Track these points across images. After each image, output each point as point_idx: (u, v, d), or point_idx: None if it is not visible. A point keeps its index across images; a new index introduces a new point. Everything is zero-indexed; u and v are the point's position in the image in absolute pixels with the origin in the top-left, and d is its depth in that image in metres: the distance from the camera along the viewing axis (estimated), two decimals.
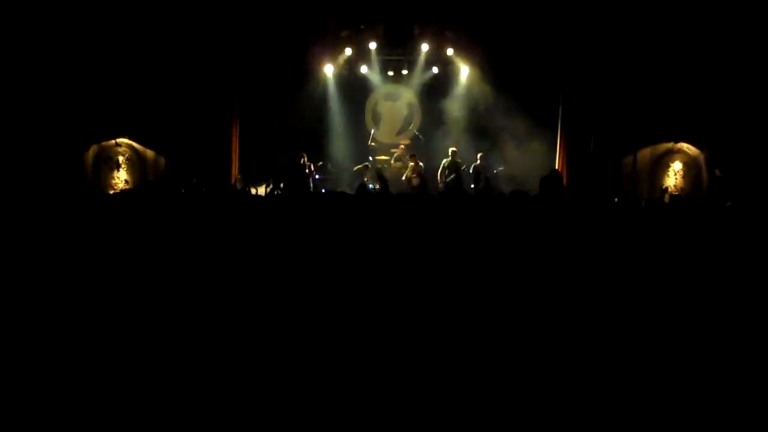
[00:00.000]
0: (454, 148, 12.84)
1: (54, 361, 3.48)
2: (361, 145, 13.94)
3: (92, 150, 11.92)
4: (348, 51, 13.39)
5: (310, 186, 11.93)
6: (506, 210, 4.96)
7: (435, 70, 13.82)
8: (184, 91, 11.70)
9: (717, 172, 11.49)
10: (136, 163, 12.08)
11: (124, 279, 4.13)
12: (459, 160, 12.56)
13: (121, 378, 3.34)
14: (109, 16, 11.06)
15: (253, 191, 10.90)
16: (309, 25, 12.48)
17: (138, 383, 3.29)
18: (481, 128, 13.48)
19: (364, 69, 13.87)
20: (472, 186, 11.92)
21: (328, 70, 13.63)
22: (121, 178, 11.93)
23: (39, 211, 4.98)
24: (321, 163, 13.30)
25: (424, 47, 13.28)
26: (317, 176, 12.67)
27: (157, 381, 3.31)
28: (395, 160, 13.54)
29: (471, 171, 12.40)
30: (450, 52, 13.31)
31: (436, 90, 14.12)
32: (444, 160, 12.67)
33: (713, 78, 11.17)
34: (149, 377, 3.35)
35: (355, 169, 13.15)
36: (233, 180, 12.12)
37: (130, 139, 12.00)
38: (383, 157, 13.97)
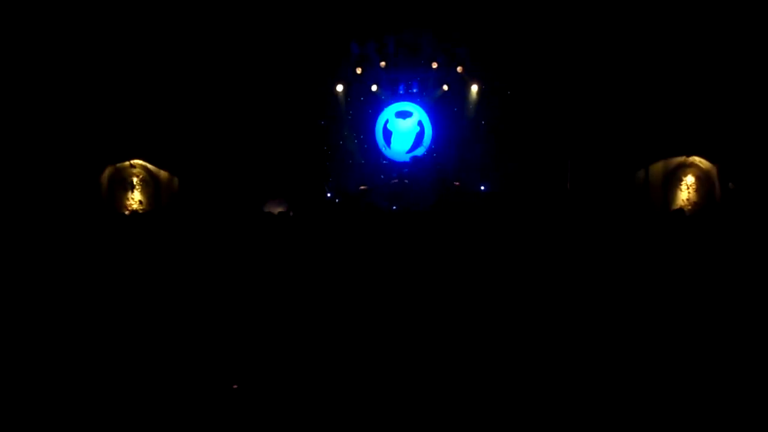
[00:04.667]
0: None
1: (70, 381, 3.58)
2: (372, 164, 14.02)
3: (107, 171, 12.08)
4: (358, 70, 13.50)
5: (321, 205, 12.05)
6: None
7: (445, 87, 13.91)
8: (196, 111, 11.87)
9: (731, 185, 11.42)
10: (150, 184, 12.23)
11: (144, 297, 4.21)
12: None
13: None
14: (123, 43, 11.27)
15: (266, 209, 10.99)
16: (319, 44, 12.62)
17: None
18: (491, 143, 13.52)
19: (374, 87, 13.98)
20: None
21: (339, 88, 13.75)
22: (135, 199, 12.08)
23: (61, 231, 5.08)
24: (331, 179, 13.47)
25: (435, 64, 13.37)
26: (329, 195, 12.79)
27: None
28: None
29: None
30: (460, 69, 13.39)
31: (447, 107, 14.18)
32: None
33: (726, 91, 11.13)
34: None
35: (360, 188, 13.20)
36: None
37: (144, 160, 12.16)
38: None
